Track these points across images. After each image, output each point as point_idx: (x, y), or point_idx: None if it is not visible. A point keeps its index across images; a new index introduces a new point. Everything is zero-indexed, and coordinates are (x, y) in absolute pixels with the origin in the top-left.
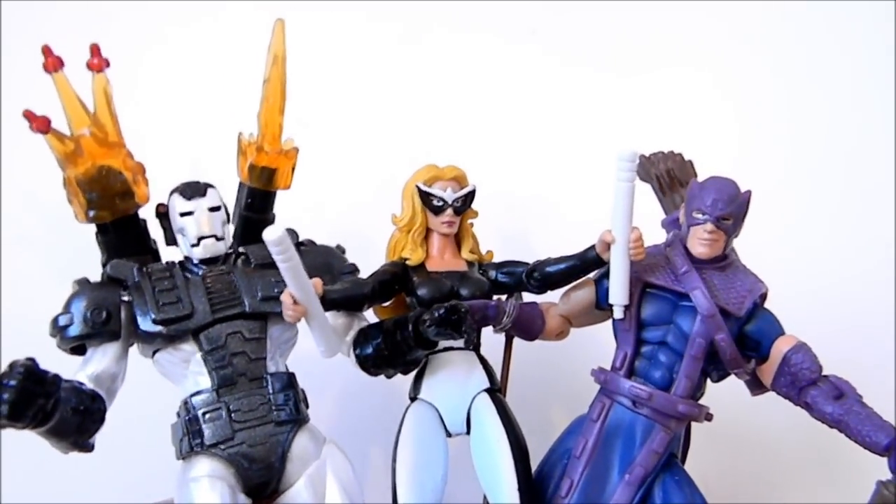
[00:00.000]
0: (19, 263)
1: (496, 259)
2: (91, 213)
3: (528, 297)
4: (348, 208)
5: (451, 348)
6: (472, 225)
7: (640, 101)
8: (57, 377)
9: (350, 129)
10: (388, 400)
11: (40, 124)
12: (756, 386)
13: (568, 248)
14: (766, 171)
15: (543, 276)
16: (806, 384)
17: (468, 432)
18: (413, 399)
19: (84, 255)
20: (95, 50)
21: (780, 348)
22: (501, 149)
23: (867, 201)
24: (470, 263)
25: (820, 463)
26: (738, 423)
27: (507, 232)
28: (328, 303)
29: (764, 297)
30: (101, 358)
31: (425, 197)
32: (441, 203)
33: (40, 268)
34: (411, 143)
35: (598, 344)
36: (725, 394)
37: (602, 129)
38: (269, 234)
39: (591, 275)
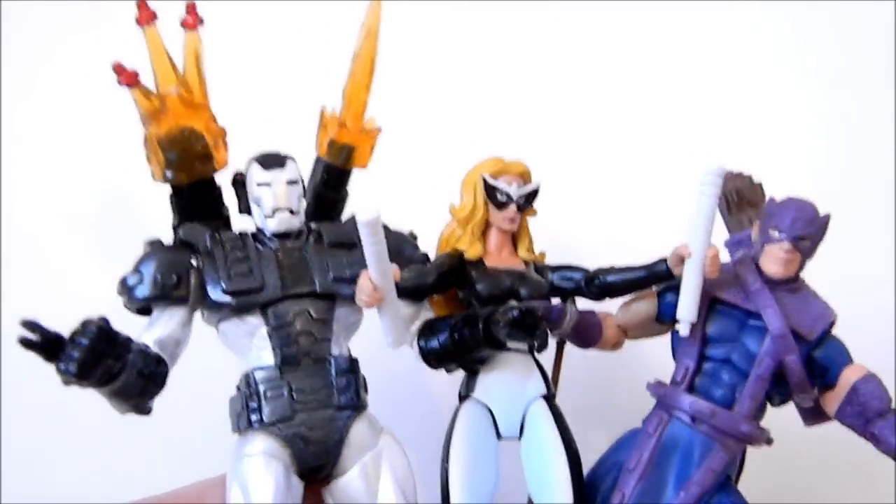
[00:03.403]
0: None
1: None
2: (168, 174)
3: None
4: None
5: (511, 349)
6: (527, 223)
7: (667, 107)
8: (128, 340)
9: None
10: (429, 396)
11: (128, 78)
12: (813, 416)
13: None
14: (771, 172)
15: (605, 285)
16: (874, 416)
17: (519, 437)
18: (464, 397)
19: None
20: (191, 7)
21: (848, 377)
22: (543, 150)
23: (868, 203)
24: (526, 263)
25: (833, 472)
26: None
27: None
28: (400, 291)
29: (832, 324)
30: (167, 322)
31: (490, 190)
32: (505, 198)
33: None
34: (451, 142)
35: (646, 356)
36: None
37: (650, 140)
38: (364, 215)
39: (654, 287)
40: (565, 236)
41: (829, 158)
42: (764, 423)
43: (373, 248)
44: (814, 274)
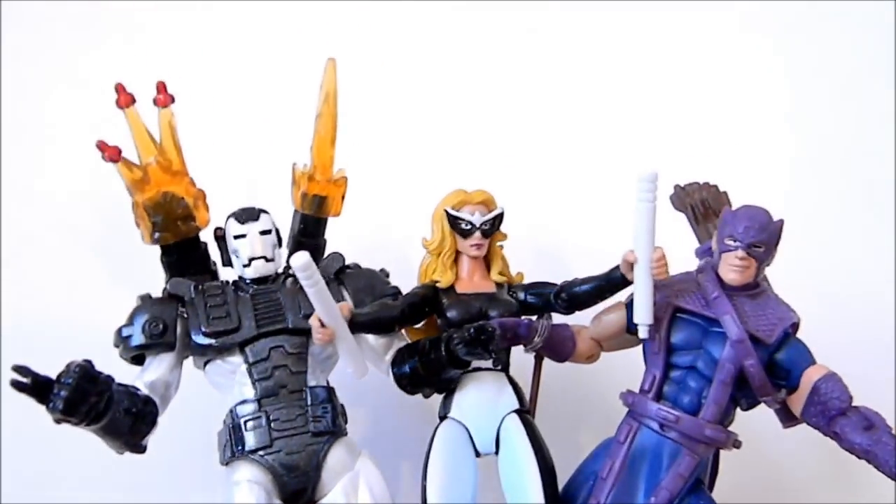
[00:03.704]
0: (81, 268)
1: (527, 280)
2: (156, 236)
3: (557, 318)
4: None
5: (481, 368)
6: (501, 247)
7: (658, 118)
8: (109, 378)
9: (380, 151)
10: (419, 415)
11: (112, 154)
12: (787, 418)
13: (597, 265)
14: (769, 176)
15: (570, 297)
16: (835, 414)
17: (496, 452)
18: (443, 417)
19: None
20: (162, 87)
21: (809, 377)
22: (529, 169)
23: (868, 205)
24: (499, 285)
25: (833, 472)
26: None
27: (540, 251)
28: (357, 325)
29: (795, 326)
30: (157, 367)
31: (453, 221)
32: (469, 226)
33: (103, 275)
34: (440, 165)
35: (628, 367)
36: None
37: (627, 146)
38: (296, 260)
39: (623, 298)
40: (552, 250)
41: (830, 159)
42: (762, 422)
43: (312, 290)
44: (814, 274)
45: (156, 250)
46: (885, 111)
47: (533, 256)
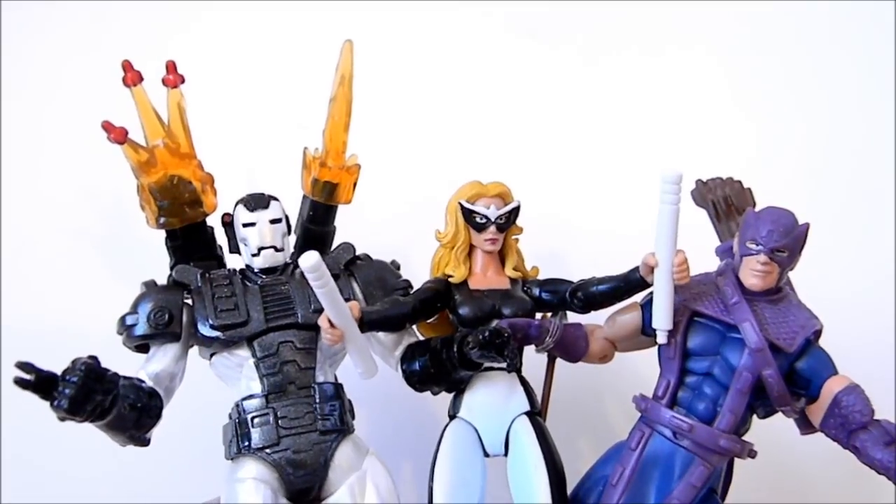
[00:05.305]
0: (81, 262)
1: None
2: (161, 220)
3: (573, 317)
4: (383, 222)
5: (493, 368)
6: (517, 241)
7: (663, 120)
8: (115, 375)
9: (387, 142)
10: (425, 414)
11: (117, 135)
12: (805, 425)
13: (603, 262)
14: (774, 177)
15: (587, 296)
16: (856, 428)
17: (506, 454)
18: (452, 417)
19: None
20: (172, 67)
21: (830, 388)
22: (537, 165)
23: (869, 205)
24: (513, 281)
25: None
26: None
27: (541, 251)
28: (367, 324)
29: (818, 334)
30: (161, 357)
31: (468, 214)
32: (484, 220)
33: (104, 271)
34: (448, 158)
35: (642, 369)
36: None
37: (637, 145)
38: (305, 261)
39: (638, 299)
40: (562, 247)
41: (829, 159)
42: (768, 422)
43: (321, 291)
44: (814, 274)
45: (158, 245)
46: (886, 111)
47: (546, 250)
